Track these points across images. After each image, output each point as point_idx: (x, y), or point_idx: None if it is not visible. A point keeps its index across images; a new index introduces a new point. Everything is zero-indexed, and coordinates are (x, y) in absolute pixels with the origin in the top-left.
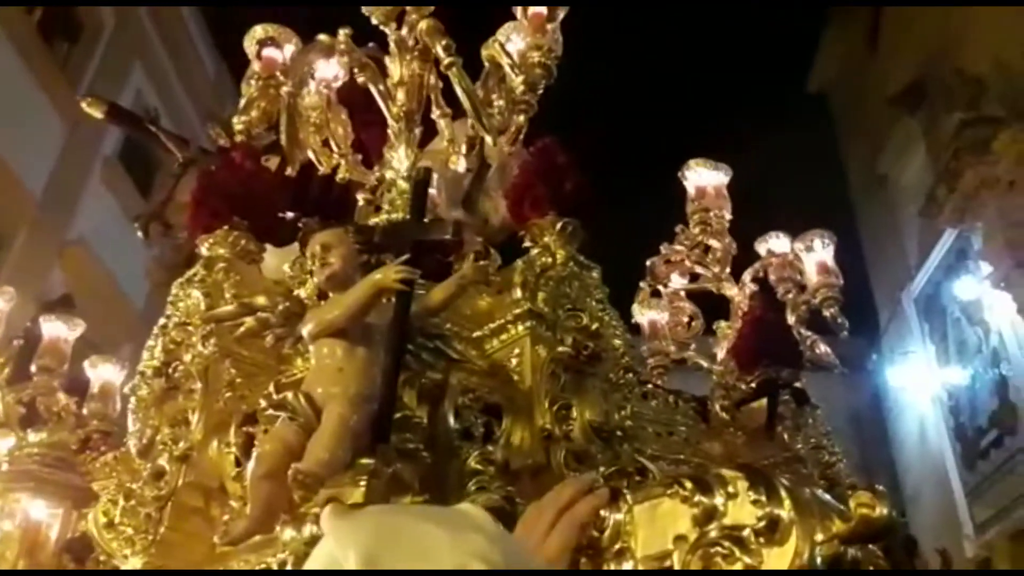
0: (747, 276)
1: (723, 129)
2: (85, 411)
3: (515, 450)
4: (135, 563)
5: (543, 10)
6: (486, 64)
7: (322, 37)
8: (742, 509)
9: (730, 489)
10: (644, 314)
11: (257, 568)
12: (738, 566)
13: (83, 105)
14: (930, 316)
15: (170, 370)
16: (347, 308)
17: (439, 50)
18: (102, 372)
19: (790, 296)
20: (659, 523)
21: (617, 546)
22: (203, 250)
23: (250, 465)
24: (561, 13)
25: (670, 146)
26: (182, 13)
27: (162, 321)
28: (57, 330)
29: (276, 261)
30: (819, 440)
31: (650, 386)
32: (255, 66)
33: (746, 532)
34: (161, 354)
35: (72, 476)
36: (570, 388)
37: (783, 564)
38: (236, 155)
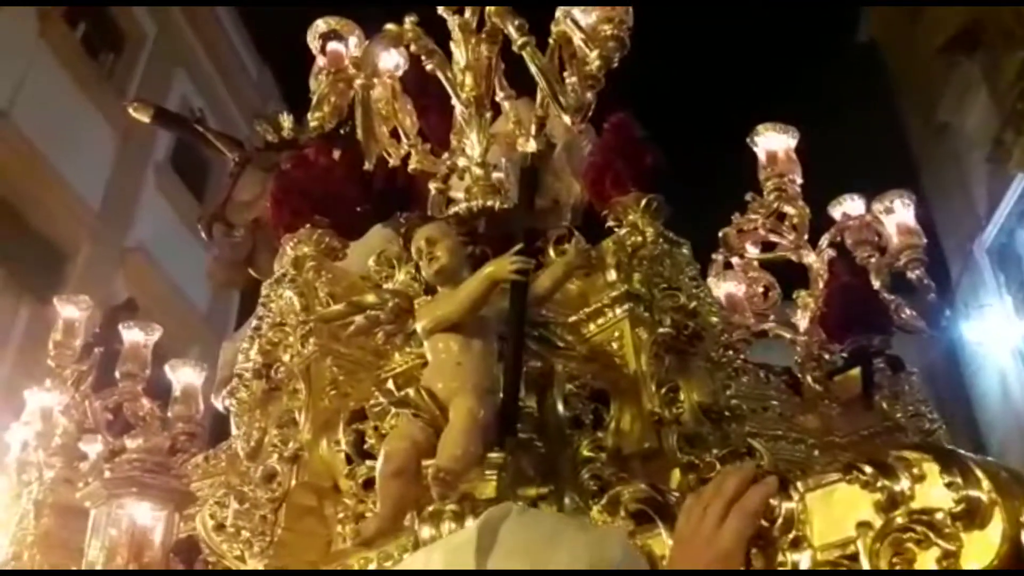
0: (824, 241)
1: (771, 86)
2: (169, 414)
3: (626, 436)
4: (254, 565)
5: None
6: (550, 42)
7: (389, 26)
8: (932, 492)
9: (915, 471)
10: (721, 287)
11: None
12: (934, 551)
13: (130, 110)
14: (1005, 266)
15: (271, 371)
16: (462, 302)
17: (511, 30)
18: (182, 375)
19: (872, 260)
20: (836, 510)
21: (791, 535)
22: (288, 250)
23: (378, 464)
24: None
25: (715, 107)
26: (220, 16)
27: (255, 323)
28: (136, 336)
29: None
30: (917, 407)
31: (739, 361)
32: (320, 61)
33: (940, 516)
34: (258, 356)
35: (171, 480)
36: (675, 370)
37: (988, 547)
38: (310, 152)
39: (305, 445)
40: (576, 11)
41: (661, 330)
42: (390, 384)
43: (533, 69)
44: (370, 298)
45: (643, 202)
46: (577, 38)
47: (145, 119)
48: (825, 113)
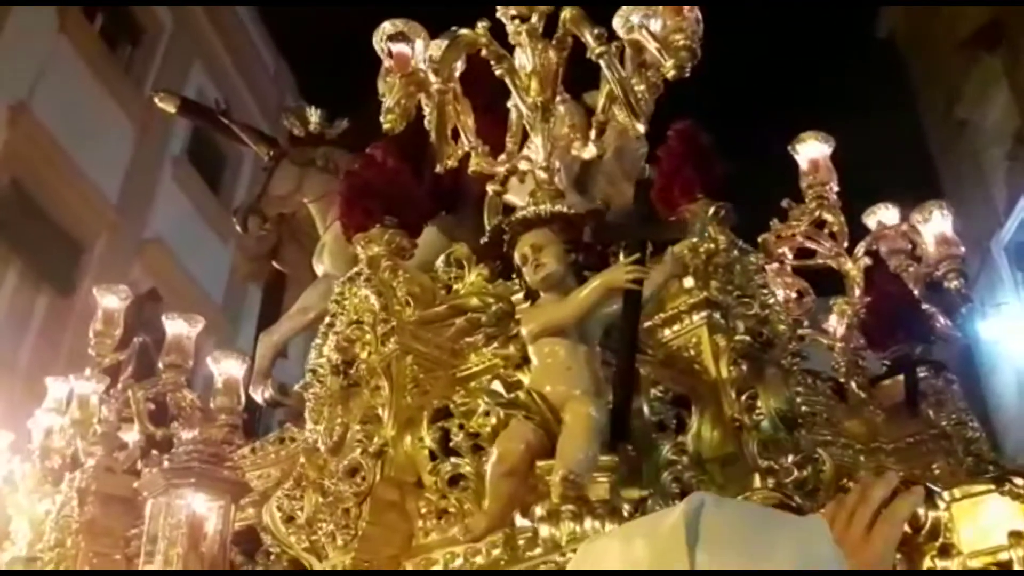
0: (860, 249)
1: (789, 82)
2: (212, 405)
3: (706, 441)
4: (336, 557)
5: None
6: (612, 48)
7: (464, 32)
8: None
9: None
10: None
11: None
12: None
13: (156, 100)
14: (1023, 264)
15: (349, 368)
16: (577, 308)
17: (589, 38)
18: (225, 367)
19: (911, 269)
20: (983, 520)
21: (939, 542)
22: (359, 249)
23: (489, 463)
24: None
25: (731, 105)
26: (238, 10)
27: (327, 320)
28: (180, 327)
29: None
30: (960, 415)
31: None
32: (387, 63)
33: None
34: (334, 352)
35: (227, 471)
36: (751, 377)
37: None
38: (378, 154)
39: (389, 441)
40: (636, 17)
41: (738, 337)
42: (497, 385)
43: (611, 77)
44: (473, 301)
45: (711, 210)
46: (652, 47)
47: (171, 109)
48: (844, 109)
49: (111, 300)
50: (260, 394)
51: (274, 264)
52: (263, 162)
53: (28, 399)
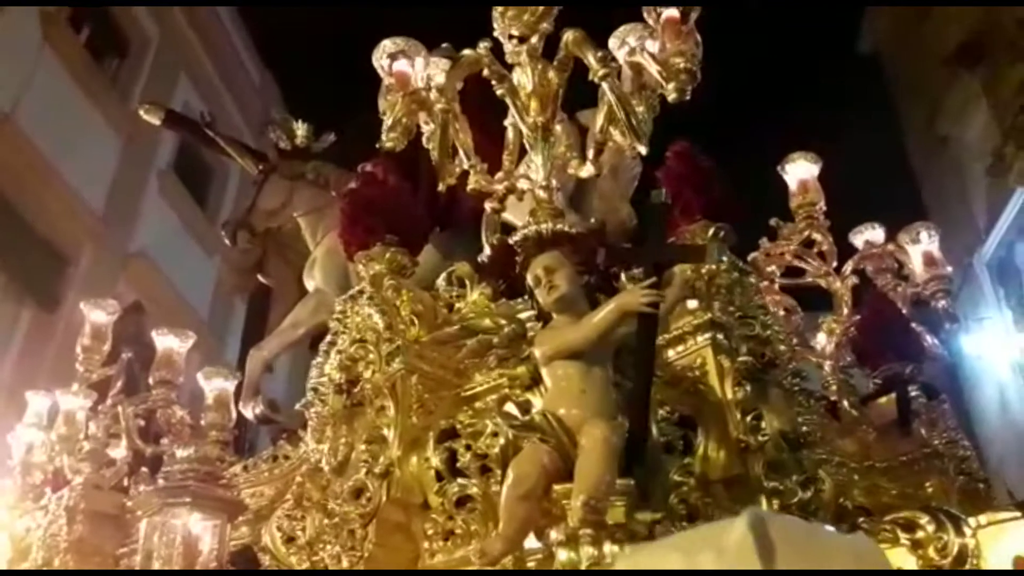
0: (848, 268)
1: (772, 97)
2: (203, 422)
3: (712, 461)
4: None
5: (676, 13)
6: (604, 68)
7: (467, 52)
8: None
9: None
10: None
11: None
12: None
13: (140, 112)
14: (1004, 280)
15: (353, 387)
16: (591, 332)
17: (592, 60)
18: (215, 383)
19: (899, 289)
20: (1007, 547)
21: (966, 568)
22: (360, 267)
23: (505, 485)
24: (695, 14)
25: (714, 120)
26: (225, 23)
27: (329, 338)
28: (171, 343)
29: None
30: (951, 434)
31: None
32: (387, 80)
33: None
34: (337, 371)
35: (223, 489)
36: (755, 397)
37: None
38: (377, 171)
39: (395, 462)
40: (632, 39)
41: (741, 358)
42: (510, 407)
43: (613, 99)
44: (485, 322)
45: (711, 231)
46: (653, 70)
47: (156, 121)
48: (826, 125)
49: (99, 315)
50: (250, 410)
51: (259, 277)
52: (250, 176)
53: (10, 414)
